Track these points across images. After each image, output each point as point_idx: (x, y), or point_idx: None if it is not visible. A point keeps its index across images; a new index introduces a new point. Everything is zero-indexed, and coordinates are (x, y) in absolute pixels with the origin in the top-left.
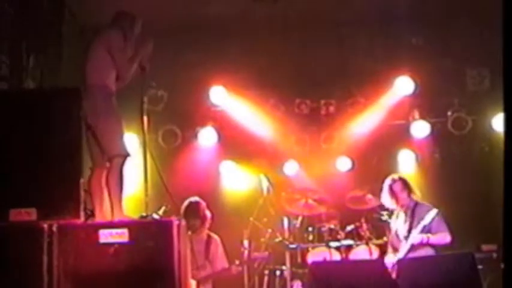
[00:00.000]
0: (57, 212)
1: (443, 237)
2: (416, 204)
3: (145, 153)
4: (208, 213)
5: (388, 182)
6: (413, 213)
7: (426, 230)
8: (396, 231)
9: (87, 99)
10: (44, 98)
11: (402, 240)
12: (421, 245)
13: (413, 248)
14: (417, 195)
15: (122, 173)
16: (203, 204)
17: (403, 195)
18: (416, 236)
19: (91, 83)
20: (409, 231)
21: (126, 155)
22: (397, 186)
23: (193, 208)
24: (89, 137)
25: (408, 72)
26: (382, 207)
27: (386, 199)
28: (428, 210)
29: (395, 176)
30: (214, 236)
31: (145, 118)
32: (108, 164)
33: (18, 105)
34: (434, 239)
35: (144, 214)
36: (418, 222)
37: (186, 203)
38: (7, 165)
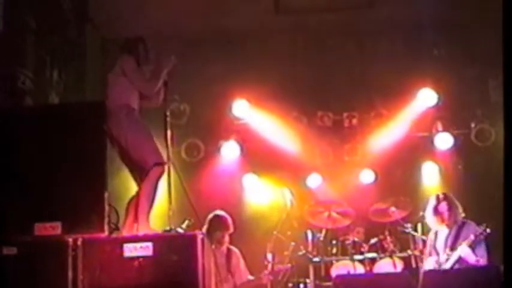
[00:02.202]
0: (82, 225)
1: (480, 261)
2: (464, 223)
3: (168, 166)
4: (231, 227)
5: (432, 202)
6: (459, 231)
7: (473, 247)
8: (435, 245)
9: (111, 121)
10: (69, 112)
11: (441, 254)
12: (464, 260)
13: (459, 260)
14: (461, 211)
15: (156, 187)
16: (228, 218)
17: (448, 215)
18: (466, 249)
19: (113, 105)
20: (452, 246)
21: (162, 163)
22: (443, 207)
23: (219, 221)
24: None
25: (431, 84)
26: (405, 219)
27: (431, 219)
28: (475, 230)
29: (440, 195)
30: (234, 249)
31: (168, 132)
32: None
33: (42, 120)
34: (476, 259)
35: (167, 228)
36: (464, 240)
37: (211, 215)
38: (32, 179)
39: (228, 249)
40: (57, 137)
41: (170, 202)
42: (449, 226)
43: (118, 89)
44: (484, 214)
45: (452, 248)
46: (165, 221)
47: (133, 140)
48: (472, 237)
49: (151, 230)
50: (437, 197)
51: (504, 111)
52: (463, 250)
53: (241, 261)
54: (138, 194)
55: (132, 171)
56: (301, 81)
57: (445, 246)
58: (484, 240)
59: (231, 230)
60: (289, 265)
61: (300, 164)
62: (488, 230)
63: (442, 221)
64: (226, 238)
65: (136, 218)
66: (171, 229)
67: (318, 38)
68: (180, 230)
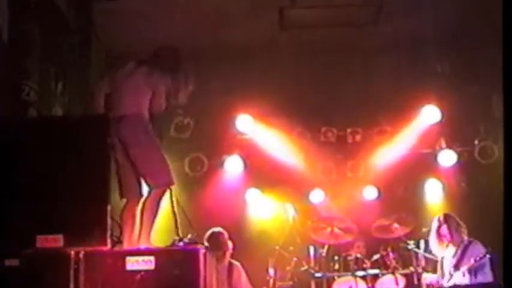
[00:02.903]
0: (84, 238)
1: (483, 280)
2: (470, 242)
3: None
4: (230, 244)
5: (434, 225)
6: (465, 250)
7: (473, 271)
8: (442, 262)
9: (125, 129)
10: (72, 125)
11: (446, 273)
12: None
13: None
14: (465, 230)
15: (159, 204)
16: (225, 234)
17: (450, 237)
18: (461, 279)
19: (129, 113)
20: (456, 266)
21: (170, 183)
22: (444, 230)
23: (216, 238)
24: (125, 167)
25: (434, 100)
26: (408, 236)
27: (434, 244)
28: (480, 251)
29: (441, 218)
30: (236, 263)
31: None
32: (144, 194)
33: (46, 132)
34: (475, 281)
35: (176, 238)
36: (468, 261)
37: (208, 233)
38: (34, 191)
39: (230, 264)
40: (60, 150)
41: (175, 215)
42: (455, 245)
43: (141, 99)
44: (487, 231)
45: (456, 267)
46: (168, 236)
47: (147, 155)
48: (472, 261)
49: (152, 245)
50: (439, 220)
51: (504, 127)
52: (459, 280)
53: (243, 276)
54: (141, 207)
55: (120, 180)
56: (305, 97)
57: (450, 265)
58: (489, 262)
59: (229, 247)
60: (290, 283)
61: (303, 180)
62: (488, 255)
63: (446, 244)
64: (227, 254)
65: (132, 229)
66: (181, 239)
67: (322, 54)
68: (189, 237)
